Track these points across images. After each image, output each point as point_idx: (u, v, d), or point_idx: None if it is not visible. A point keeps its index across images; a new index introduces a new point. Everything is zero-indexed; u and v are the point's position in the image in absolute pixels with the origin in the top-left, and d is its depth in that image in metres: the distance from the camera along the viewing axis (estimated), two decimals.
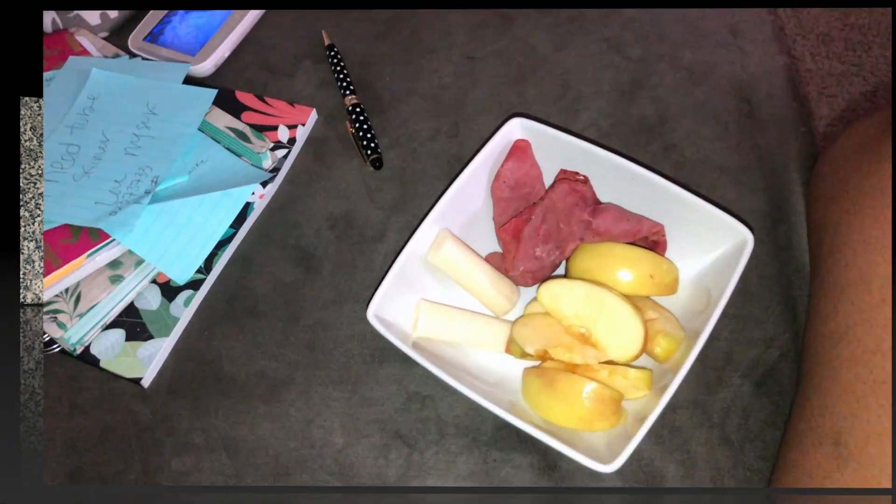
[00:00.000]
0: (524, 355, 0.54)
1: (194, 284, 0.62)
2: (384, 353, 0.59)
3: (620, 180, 0.56)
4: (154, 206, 0.62)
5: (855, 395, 0.47)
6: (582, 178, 0.58)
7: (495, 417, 0.50)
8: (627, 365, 0.53)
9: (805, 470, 0.48)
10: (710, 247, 0.55)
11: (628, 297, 0.52)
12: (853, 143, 0.55)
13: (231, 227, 0.63)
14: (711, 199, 0.54)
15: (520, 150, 0.58)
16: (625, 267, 0.54)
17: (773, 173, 0.62)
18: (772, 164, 0.62)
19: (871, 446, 0.45)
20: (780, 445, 0.53)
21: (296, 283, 0.62)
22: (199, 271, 0.62)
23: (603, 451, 0.50)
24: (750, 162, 0.62)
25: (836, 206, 0.53)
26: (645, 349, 0.52)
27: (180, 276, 0.61)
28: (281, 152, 0.66)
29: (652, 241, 0.56)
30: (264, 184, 0.65)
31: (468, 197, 0.58)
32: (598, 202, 0.58)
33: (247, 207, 0.64)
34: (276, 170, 0.66)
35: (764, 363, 0.56)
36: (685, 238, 0.56)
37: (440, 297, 0.58)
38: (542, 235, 0.56)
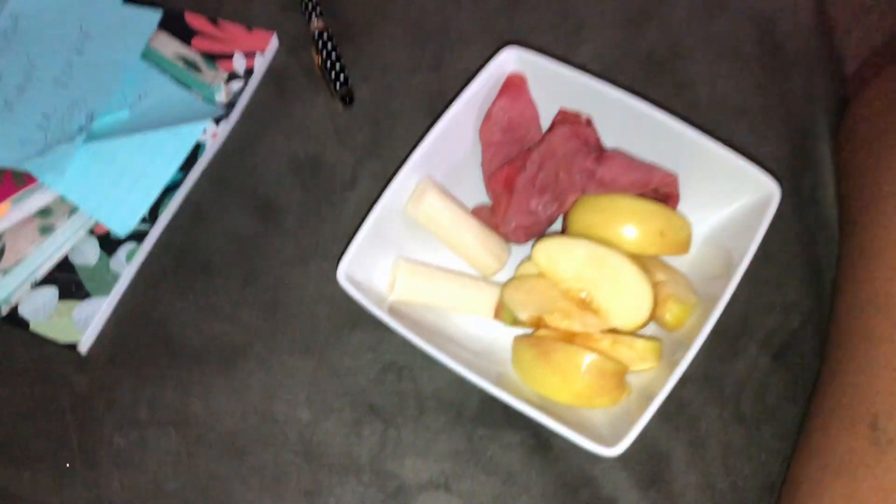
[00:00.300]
0: (516, 322, 0.48)
1: (138, 236, 0.54)
2: (356, 317, 0.52)
3: (628, 123, 0.49)
4: (89, 145, 0.55)
5: None
6: (585, 119, 0.50)
7: (481, 391, 0.44)
8: (633, 334, 0.47)
9: (836, 454, 0.43)
10: (727, 200, 0.49)
11: (635, 258, 0.46)
12: None
13: (179, 170, 0.56)
14: (730, 144, 0.47)
15: (514, 86, 0.51)
16: (632, 222, 0.47)
17: (797, 117, 0.55)
18: (796, 107, 0.55)
19: None
20: (802, 425, 0.47)
21: (254, 237, 0.55)
22: (142, 221, 0.54)
23: (604, 432, 0.45)
24: (772, 104, 0.55)
25: (874, 156, 0.47)
26: (653, 316, 0.46)
27: (121, 226, 0.54)
28: (237, 85, 0.58)
29: (663, 193, 0.50)
30: (217, 121, 0.57)
31: (453, 140, 0.51)
32: (602, 148, 0.51)
33: (197, 148, 0.56)
34: (231, 105, 0.58)
35: (783, 332, 0.51)
36: (699, 190, 0.50)
37: (420, 255, 0.51)
38: (538, 186, 0.49)
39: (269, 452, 0.50)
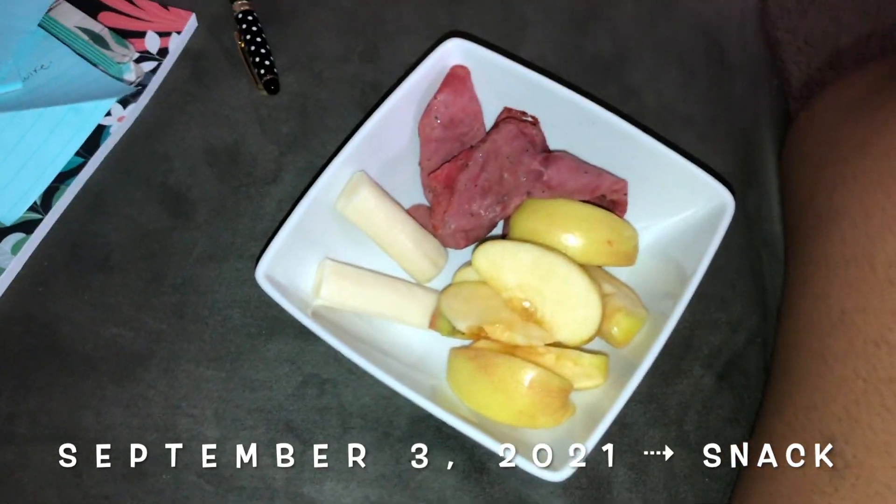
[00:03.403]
0: (453, 332, 0.44)
1: (27, 226, 0.48)
2: (274, 324, 0.47)
3: (575, 124, 0.47)
4: None
5: (853, 395, 0.39)
6: (531, 118, 0.47)
7: (412, 408, 0.41)
8: (579, 349, 0.44)
9: (788, 481, 0.40)
10: (676, 210, 0.47)
11: (584, 267, 0.43)
12: (848, 96, 0.47)
13: (79, 154, 0.49)
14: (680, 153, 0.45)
15: (457, 78, 0.47)
16: (579, 230, 0.44)
17: (742, 130, 0.54)
18: (741, 119, 0.54)
19: (874, 457, 0.38)
20: (749, 449, 0.45)
21: (162, 231, 0.49)
22: (32, 209, 0.48)
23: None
24: (718, 115, 0.54)
25: (827, 170, 0.45)
26: (599, 330, 0.43)
27: (7, 214, 0.48)
28: (149, 65, 0.52)
29: (610, 200, 0.47)
30: (125, 102, 0.51)
31: (390, 134, 0.47)
32: (548, 149, 0.48)
33: (101, 131, 0.50)
34: (141, 86, 0.52)
35: (728, 350, 0.49)
36: (647, 197, 0.47)
37: (350, 256, 0.47)
38: (480, 187, 0.45)
39: (171, 474, 0.44)
